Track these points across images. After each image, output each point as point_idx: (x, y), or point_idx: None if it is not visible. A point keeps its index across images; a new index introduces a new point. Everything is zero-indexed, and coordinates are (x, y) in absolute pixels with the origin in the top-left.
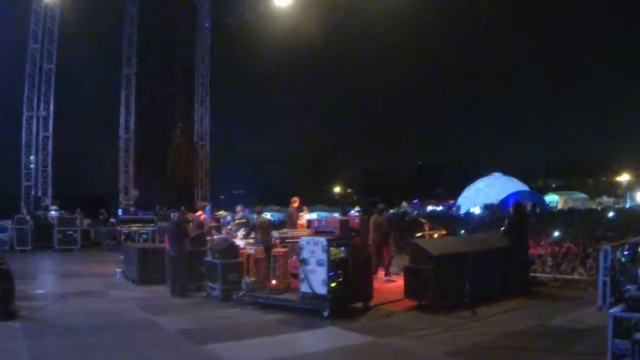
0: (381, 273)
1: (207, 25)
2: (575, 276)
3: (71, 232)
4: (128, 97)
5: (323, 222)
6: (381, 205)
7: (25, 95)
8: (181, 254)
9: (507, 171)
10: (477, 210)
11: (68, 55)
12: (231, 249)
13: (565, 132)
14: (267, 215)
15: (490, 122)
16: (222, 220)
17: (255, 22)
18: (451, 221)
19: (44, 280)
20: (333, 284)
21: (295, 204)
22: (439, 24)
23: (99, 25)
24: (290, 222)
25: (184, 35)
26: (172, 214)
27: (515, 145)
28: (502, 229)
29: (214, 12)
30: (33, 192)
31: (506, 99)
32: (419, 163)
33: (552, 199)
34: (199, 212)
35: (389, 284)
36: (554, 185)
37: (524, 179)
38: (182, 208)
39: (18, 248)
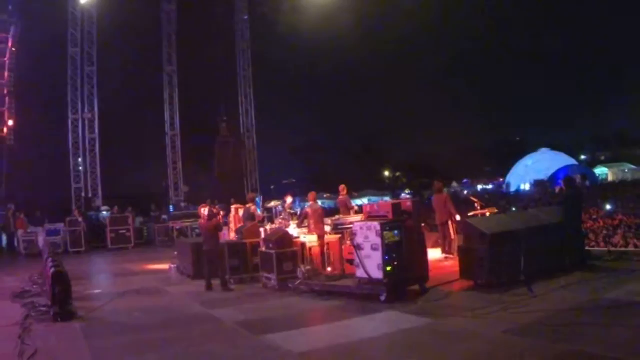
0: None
1: (245, 17)
2: (630, 248)
3: (123, 230)
4: (171, 94)
5: (375, 207)
6: (439, 184)
7: (69, 98)
8: (215, 248)
9: (554, 145)
10: (526, 187)
11: (109, 57)
12: (285, 239)
13: (611, 102)
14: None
15: (534, 97)
16: (273, 210)
17: (293, 9)
18: (502, 199)
19: (100, 280)
20: (388, 268)
21: (344, 191)
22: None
23: (137, 25)
24: (344, 209)
25: (223, 29)
26: (201, 209)
27: (561, 119)
28: (556, 202)
29: (251, 4)
30: (83, 194)
31: (549, 72)
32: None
33: (602, 171)
34: (249, 204)
35: (444, 264)
36: (602, 158)
37: (571, 153)
38: (208, 201)
39: (72, 250)
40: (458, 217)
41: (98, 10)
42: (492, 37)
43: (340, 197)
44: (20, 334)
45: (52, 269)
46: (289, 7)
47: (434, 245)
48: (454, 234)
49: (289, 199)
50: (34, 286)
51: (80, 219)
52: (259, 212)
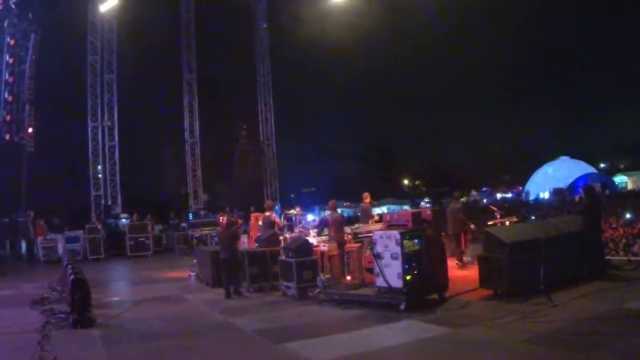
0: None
1: (264, 25)
2: None
3: (143, 238)
4: (191, 102)
5: (395, 216)
6: (457, 193)
7: (89, 106)
8: (232, 256)
9: (573, 154)
10: (546, 195)
11: (129, 65)
12: (305, 247)
13: (631, 110)
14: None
15: (553, 104)
16: (293, 219)
17: (312, 18)
18: (521, 207)
19: (119, 288)
20: (408, 277)
21: (367, 199)
22: (499, 9)
23: (157, 33)
24: (364, 217)
25: (242, 37)
26: (220, 217)
27: (580, 127)
28: (575, 211)
29: (270, 12)
30: (103, 201)
31: (566, 79)
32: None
33: (622, 179)
34: (268, 212)
35: (464, 273)
36: (622, 166)
37: (591, 161)
38: (227, 209)
39: (91, 257)
40: (473, 227)
41: (118, 18)
42: (509, 44)
43: (363, 204)
44: (39, 341)
45: (72, 276)
46: (308, 16)
47: (452, 255)
48: (465, 244)
49: (297, 209)
50: (53, 293)
51: (99, 226)
52: (279, 220)
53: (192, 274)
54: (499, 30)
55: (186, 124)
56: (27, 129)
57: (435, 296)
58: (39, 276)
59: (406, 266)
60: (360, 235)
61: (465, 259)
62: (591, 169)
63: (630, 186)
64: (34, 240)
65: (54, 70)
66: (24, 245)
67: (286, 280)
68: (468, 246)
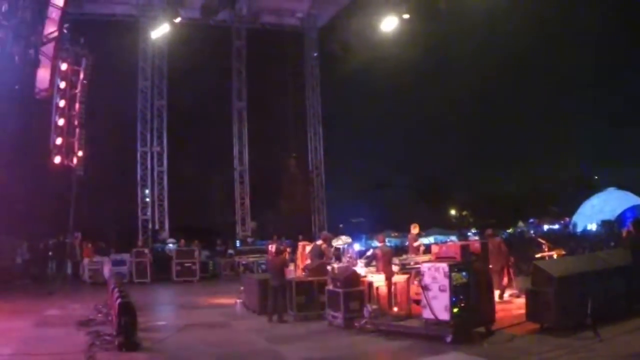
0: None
1: (315, 54)
2: None
3: (189, 264)
4: (240, 129)
5: (444, 248)
6: (489, 231)
7: (139, 131)
8: (282, 283)
9: (622, 185)
10: (593, 227)
11: (179, 91)
12: (352, 278)
13: None
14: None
15: (600, 134)
16: (341, 249)
17: (363, 47)
18: (570, 240)
19: (165, 312)
20: (455, 310)
21: (416, 230)
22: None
23: (208, 60)
24: (412, 246)
25: (293, 65)
26: (269, 246)
27: (626, 157)
28: (624, 244)
29: (321, 41)
30: (150, 226)
31: (614, 110)
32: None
33: None
34: (320, 242)
35: (510, 306)
36: None
37: (639, 193)
38: (275, 237)
39: (137, 280)
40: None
41: (169, 45)
42: (553, 69)
43: (411, 235)
44: None
45: (120, 300)
46: (359, 45)
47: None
48: (509, 279)
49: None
50: (99, 315)
51: (146, 250)
52: (330, 250)
53: (238, 301)
54: (550, 57)
55: (235, 151)
56: (77, 153)
57: (482, 329)
58: (84, 297)
59: (454, 299)
60: (408, 267)
61: (509, 292)
62: (639, 201)
63: None
64: (80, 262)
65: (104, 94)
66: (69, 266)
67: (333, 309)
68: (514, 279)
